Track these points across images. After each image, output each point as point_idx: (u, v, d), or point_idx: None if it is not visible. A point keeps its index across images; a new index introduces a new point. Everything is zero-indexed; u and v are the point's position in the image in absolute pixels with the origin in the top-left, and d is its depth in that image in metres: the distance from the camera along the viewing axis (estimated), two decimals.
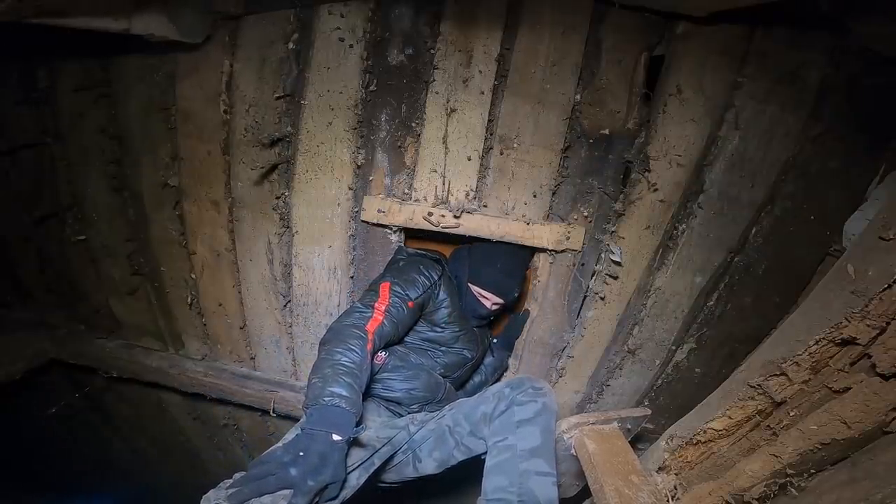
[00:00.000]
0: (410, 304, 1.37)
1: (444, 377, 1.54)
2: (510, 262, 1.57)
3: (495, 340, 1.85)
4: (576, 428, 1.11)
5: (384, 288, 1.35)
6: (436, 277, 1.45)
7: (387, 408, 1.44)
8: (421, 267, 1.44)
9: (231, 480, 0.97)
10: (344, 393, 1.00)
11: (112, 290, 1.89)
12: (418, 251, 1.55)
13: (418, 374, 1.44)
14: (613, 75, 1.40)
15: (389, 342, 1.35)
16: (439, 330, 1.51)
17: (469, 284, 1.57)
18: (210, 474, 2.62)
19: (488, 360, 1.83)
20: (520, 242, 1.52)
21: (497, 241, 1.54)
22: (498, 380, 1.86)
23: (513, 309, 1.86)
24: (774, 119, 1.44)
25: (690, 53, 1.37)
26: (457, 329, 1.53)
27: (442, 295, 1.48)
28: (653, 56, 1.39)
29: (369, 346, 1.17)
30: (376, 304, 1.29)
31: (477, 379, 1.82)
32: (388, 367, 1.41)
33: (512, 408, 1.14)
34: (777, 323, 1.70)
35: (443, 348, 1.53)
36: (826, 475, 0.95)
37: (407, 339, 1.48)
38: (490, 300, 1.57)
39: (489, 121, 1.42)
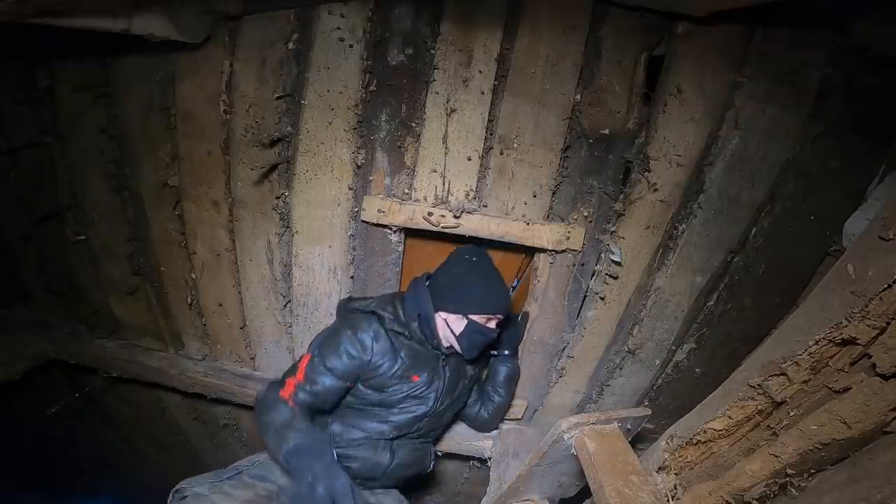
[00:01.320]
0: (333, 376, 1.31)
1: (398, 438, 1.44)
2: (491, 272, 1.41)
3: (495, 353, 1.69)
4: (576, 428, 1.11)
5: (303, 361, 1.33)
6: (368, 341, 1.32)
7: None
8: (349, 332, 1.33)
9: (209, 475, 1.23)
10: (298, 439, 1.16)
11: (112, 290, 1.89)
12: (357, 308, 1.41)
13: (361, 444, 1.39)
14: (613, 75, 1.40)
15: (319, 410, 1.37)
16: (383, 394, 1.37)
17: (469, 318, 1.36)
18: None
19: (500, 374, 1.67)
20: (520, 242, 1.52)
21: (464, 258, 1.41)
22: (512, 388, 1.74)
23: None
24: (774, 119, 1.44)
25: (690, 53, 1.37)
26: (404, 388, 1.38)
27: (378, 360, 1.33)
28: (653, 56, 1.39)
29: (291, 405, 1.26)
30: (288, 379, 1.31)
31: (483, 413, 1.70)
32: (334, 431, 1.40)
33: None
34: (777, 323, 1.70)
35: (394, 409, 1.40)
36: (826, 475, 0.95)
37: (347, 402, 1.41)
38: (492, 321, 1.40)
39: (489, 121, 1.42)
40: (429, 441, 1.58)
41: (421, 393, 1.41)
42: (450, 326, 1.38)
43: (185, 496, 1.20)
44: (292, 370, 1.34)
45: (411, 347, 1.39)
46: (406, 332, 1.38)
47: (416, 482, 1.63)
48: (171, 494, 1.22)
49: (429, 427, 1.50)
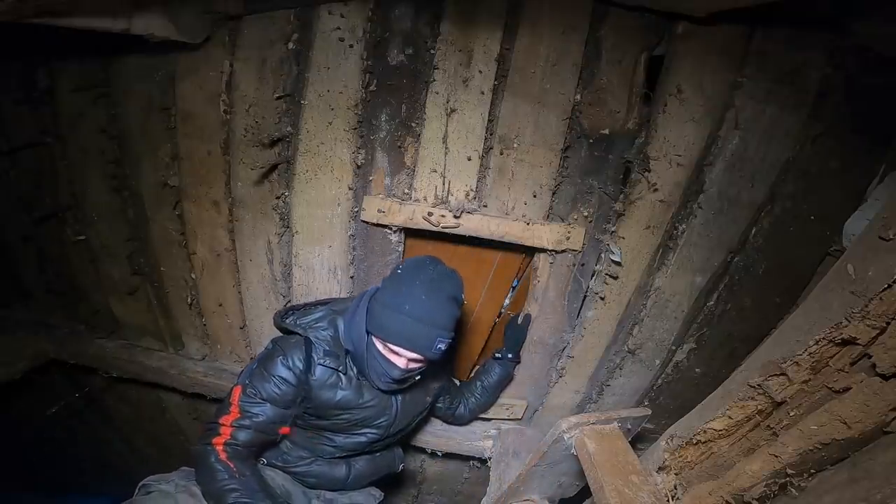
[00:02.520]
0: (271, 405, 1.21)
1: (348, 457, 1.41)
2: (431, 299, 1.11)
3: (498, 355, 1.70)
4: (576, 428, 1.11)
5: (235, 394, 1.22)
6: (301, 368, 1.19)
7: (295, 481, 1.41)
8: (281, 358, 1.20)
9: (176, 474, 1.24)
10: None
11: (112, 290, 1.89)
12: (291, 327, 1.26)
13: (314, 461, 1.38)
14: (613, 75, 1.39)
15: (267, 442, 1.29)
16: (328, 421, 1.28)
17: (370, 335, 1.18)
18: None
19: (493, 376, 1.66)
20: (520, 242, 1.52)
21: (420, 267, 1.18)
22: (500, 391, 1.76)
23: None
24: (774, 119, 1.44)
25: (690, 53, 1.37)
26: (352, 412, 1.27)
27: (317, 389, 1.22)
28: (653, 56, 1.39)
29: (223, 457, 1.17)
30: (223, 419, 1.20)
31: (463, 411, 1.69)
32: (284, 448, 1.37)
33: None
34: (777, 323, 1.70)
35: (341, 434, 1.33)
36: (826, 475, 0.95)
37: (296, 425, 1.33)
38: (402, 356, 1.16)
39: (489, 121, 1.42)
40: (391, 447, 1.54)
41: (370, 423, 1.33)
42: (376, 347, 1.18)
43: (151, 492, 1.20)
44: (224, 407, 1.22)
45: (351, 377, 1.27)
46: (341, 368, 1.23)
47: (390, 480, 1.64)
48: (137, 488, 1.22)
49: (385, 445, 1.44)
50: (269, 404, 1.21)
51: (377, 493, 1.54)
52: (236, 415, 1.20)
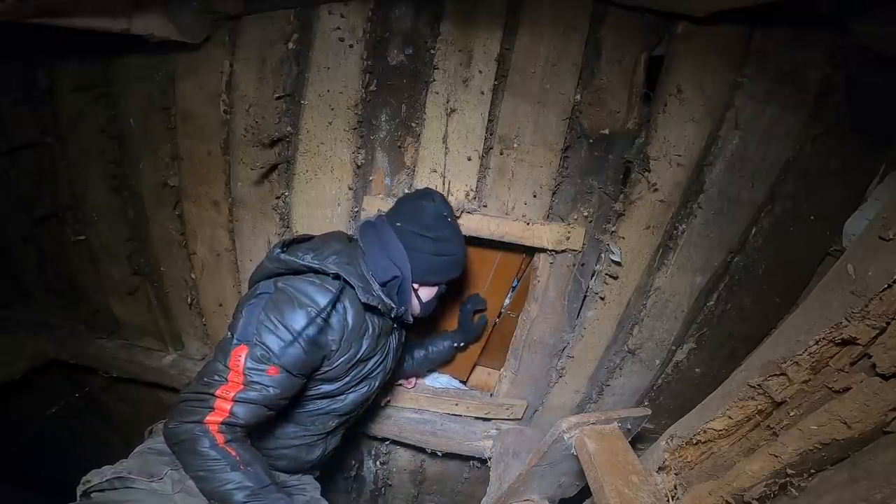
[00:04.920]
0: (287, 373, 0.98)
1: (336, 429, 1.29)
2: (456, 231, 1.21)
3: (456, 341, 1.70)
4: (576, 428, 1.11)
5: (236, 356, 0.95)
6: (337, 322, 1.02)
7: None
8: (308, 310, 0.97)
9: (113, 468, 1.04)
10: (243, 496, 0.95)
11: (112, 290, 1.89)
12: (311, 265, 1.03)
13: (293, 445, 1.22)
14: (613, 75, 1.39)
15: (264, 420, 1.04)
16: (334, 384, 1.13)
17: (417, 286, 1.19)
18: None
19: (438, 351, 1.66)
20: (520, 242, 1.52)
21: (430, 206, 1.19)
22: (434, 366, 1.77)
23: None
24: (774, 119, 1.43)
25: (690, 53, 1.37)
26: (366, 363, 1.15)
27: (346, 346, 1.05)
28: (653, 56, 1.39)
29: (220, 443, 0.94)
30: (220, 391, 0.94)
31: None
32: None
33: None
34: (777, 323, 1.70)
35: (339, 397, 1.19)
36: (826, 475, 0.95)
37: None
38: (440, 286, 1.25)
39: (489, 121, 1.42)
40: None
41: (371, 373, 1.20)
42: (418, 295, 1.20)
43: (130, 487, 1.02)
44: (219, 373, 0.96)
45: (374, 323, 1.14)
46: (380, 306, 1.10)
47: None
48: (80, 488, 1.05)
49: (364, 409, 1.34)
50: (284, 372, 0.96)
51: (318, 485, 1.41)
52: (239, 386, 0.94)
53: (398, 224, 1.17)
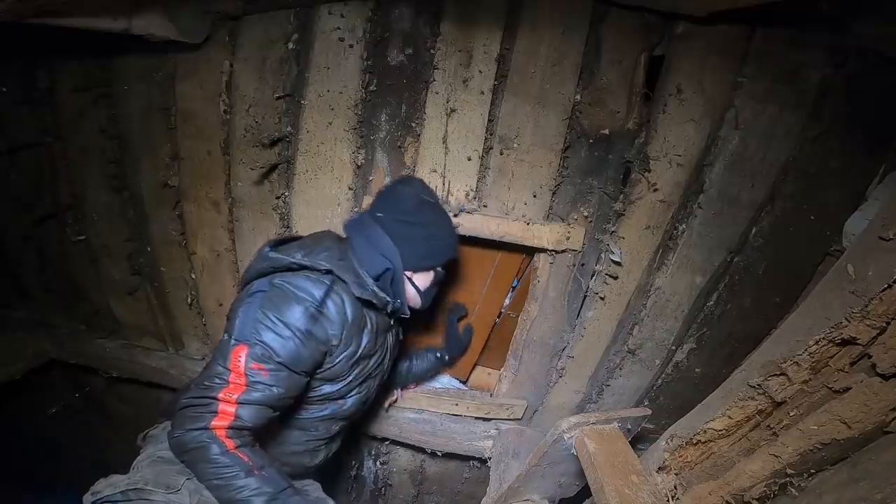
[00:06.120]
0: (291, 371, 0.96)
1: (337, 434, 1.26)
2: (441, 212, 1.21)
3: (442, 355, 1.69)
4: (576, 428, 1.11)
5: (236, 358, 0.92)
6: (335, 315, 1.00)
7: None
8: (306, 305, 0.96)
9: (127, 479, 0.97)
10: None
11: (112, 290, 1.89)
12: (302, 263, 1.00)
13: (294, 452, 1.19)
14: (613, 75, 1.39)
15: (270, 423, 1.02)
16: (335, 384, 1.10)
17: (437, 269, 1.20)
18: None
19: (423, 364, 1.65)
20: (520, 242, 1.52)
21: (420, 199, 1.17)
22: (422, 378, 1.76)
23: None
24: (774, 119, 1.44)
25: (690, 53, 1.37)
26: (367, 361, 1.13)
27: (347, 341, 1.04)
28: (653, 56, 1.39)
29: (231, 448, 0.91)
30: (222, 394, 0.91)
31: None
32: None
33: None
34: (777, 323, 1.70)
35: (340, 400, 1.15)
36: (826, 475, 0.95)
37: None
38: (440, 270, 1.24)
39: (489, 121, 1.42)
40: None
41: (372, 373, 1.18)
42: (414, 284, 1.18)
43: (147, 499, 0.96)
44: (219, 375, 0.93)
45: (372, 319, 1.12)
46: (375, 300, 1.08)
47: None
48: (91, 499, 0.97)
49: (363, 411, 1.29)
50: (286, 369, 0.95)
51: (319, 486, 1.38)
52: (242, 387, 0.92)
53: (379, 215, 1.14)
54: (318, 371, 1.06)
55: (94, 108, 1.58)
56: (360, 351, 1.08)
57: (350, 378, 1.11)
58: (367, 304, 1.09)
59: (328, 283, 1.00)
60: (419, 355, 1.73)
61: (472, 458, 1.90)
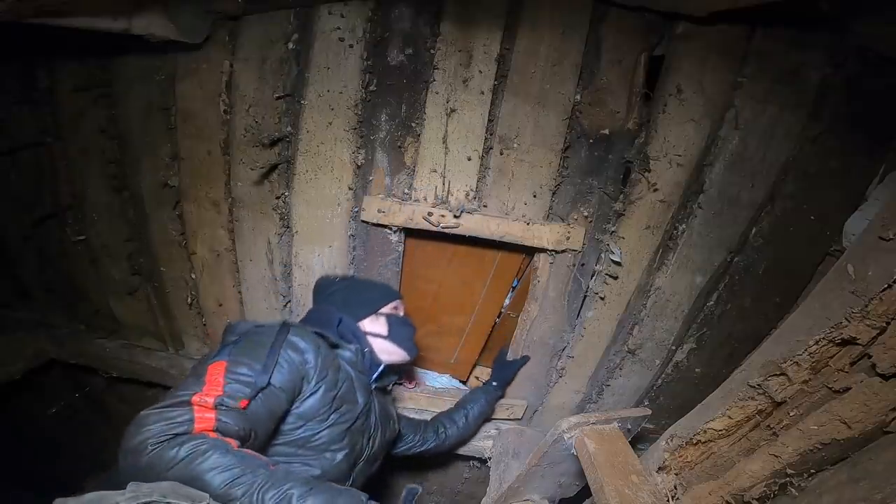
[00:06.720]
0: (260, 382, 0.90)
1: None
2: (341, 275, 1.44)
3: (494, 383, 1.70)
4: (576, 428, 1.11)
5: (213, 372, 0.86)
6: (308, 349, 1.01)
7: None
8: (280, 340, 0.98)
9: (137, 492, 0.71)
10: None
11: (112, 290, 1.89)
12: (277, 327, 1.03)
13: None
14: (613, 75, 1.39)
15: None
16: (310, 426, 1.02)
17: (383, 313, 1.30)
18: None
19: (477, 406, 1.62)
20: (520, 242, 1.52)
21: (333, 279, 1.40)
22: (479, 423, 1.68)
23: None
24: (774, 119, 1.44)
25: (690, 53, 1.37)
26: (346, 409, 1.07)
27: (321, 374, 1.02)
28: (653, 56, 1.39)
29: (234, 446, 0.78)
30: (196, 397, 0.81)
31: (443, 438, 1.54)
32: None
33: None
34: (777, 323, 1.71)
35: (327, 454, 1.06)
36: (826, 475, 0.95)
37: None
38: (399, 308, 1.35)
39: (489, 121, 1.42)
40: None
41: (359, 429, 1.14)
42: (374, 333, 1.27)
43: None
44: (193, 385, 0.84)
45: (347, 370, 1.12)
46: (350, 349, 1.16)
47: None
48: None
49: (361, 478, 1.22)
50: (267, 383, 0.91)
51: None
52: (219, 391, 0.83)
53: (316, 303, 1.37)
54: (297, 400, 1.00)
55: (94, 108, 1.58)
56: (338, 389, 1.05)
57: (330, 421, 1.05)
58: (351, 353, 1.15)
59: (303, 330, 1.05)
60: (469, 398, 1.66)
61: (472, 458, 1.90)
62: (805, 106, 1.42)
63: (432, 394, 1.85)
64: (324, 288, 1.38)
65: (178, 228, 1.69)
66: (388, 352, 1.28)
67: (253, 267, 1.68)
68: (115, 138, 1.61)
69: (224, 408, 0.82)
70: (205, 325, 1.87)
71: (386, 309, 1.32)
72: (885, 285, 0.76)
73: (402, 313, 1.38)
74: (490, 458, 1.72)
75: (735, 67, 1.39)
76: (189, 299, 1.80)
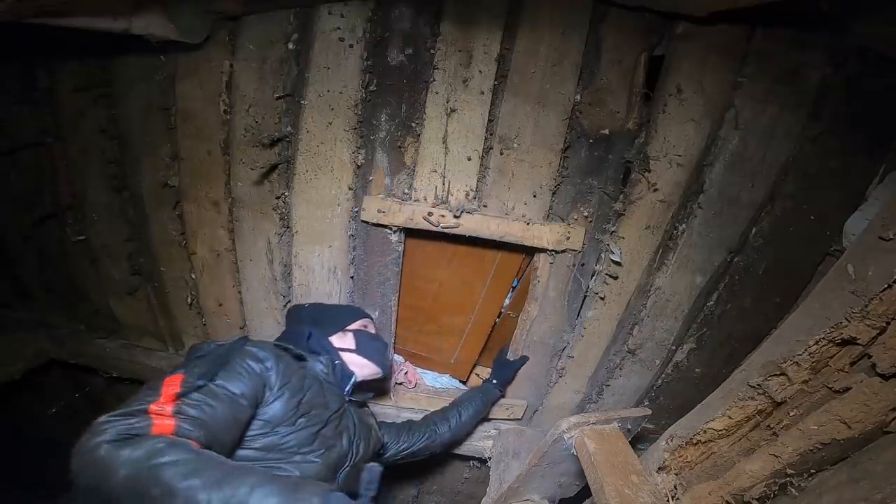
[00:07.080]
0: (227, 391, 0.90)
1: None
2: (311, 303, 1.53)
3: (494, 381, 1.70)
4: (576, 428, 1.11)
5: (171, 382, 0.85)
6: (267, 357, 1.02)
7: None
8: (238, 347, 1.00)
9: None
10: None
11: (112, 290, 1.89)
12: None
13: None
14: (613, 75, 1.39)
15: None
16: (280, 431, 1.01)
17: (350, 330, 1.36)
18: None
19: (472, 405, 1.62)
20: (520, 242, 1.52)
21: (300, 306, 1.53)
22: (476, 419, 1.67)
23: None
24: (774, 119, 1.44)
25: (690, 53, 1.37)
26: (316, 413, 1.07)
27: (282, 379, 1.02)
28: (653, 56, 1.39)
29: (196, 446, 0.76)
30: (153, 406, 0.79)
31: (433, 438, 1.54)
32: None
33: None
34: (777, 323, 1.71)
35: (297, 457, 1.03)
36: (826, 475, 0.95)
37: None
38: (370, 326, 1.43)
39: (489, 121, 1.42)
40: None
41: (327, 429, 1.10)
42: (344, 347, 1.32)
43: None
44: (150, 396, 0.82)
45: (316, 378, 1.14)
46: (322, 360, 1.21)
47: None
48: None
49: (351, 482, 1.16)
50: (226, 390, 0.90)
51: None
52: (175, 399, 0.82)
53: (287, 327, 1.45)
54: (262, 406, 0.99)
55: (94, 108, 1.58)
56: (303, 393, 1.06)
57: (298, 426, 1.03)
58: (322, 363, 1.20)
59: (244, 339, 1.05)
60: (465, 396, 1.66)
61: (472, 458, 1.90)
62: (805, 106, 1.42)
63: (432, 394, 1.85)
64: (294, 313, 1.49)
65: (178, 228, 1.69)
66: (359, 364, 1.32)
67: (253, 267, 1.68)
68: (115, 138, 1.61)
69: (183, 416, 0.81)
70: (205, 325, 1.87)
71: (354, 325, 1.39)
72: (885, 285, 0.76)
73: (372, 331, 1.44)
74: (490, 458, 1.72)
75: (735, 67, 1.39)
76: (189, 299, 1.80)
